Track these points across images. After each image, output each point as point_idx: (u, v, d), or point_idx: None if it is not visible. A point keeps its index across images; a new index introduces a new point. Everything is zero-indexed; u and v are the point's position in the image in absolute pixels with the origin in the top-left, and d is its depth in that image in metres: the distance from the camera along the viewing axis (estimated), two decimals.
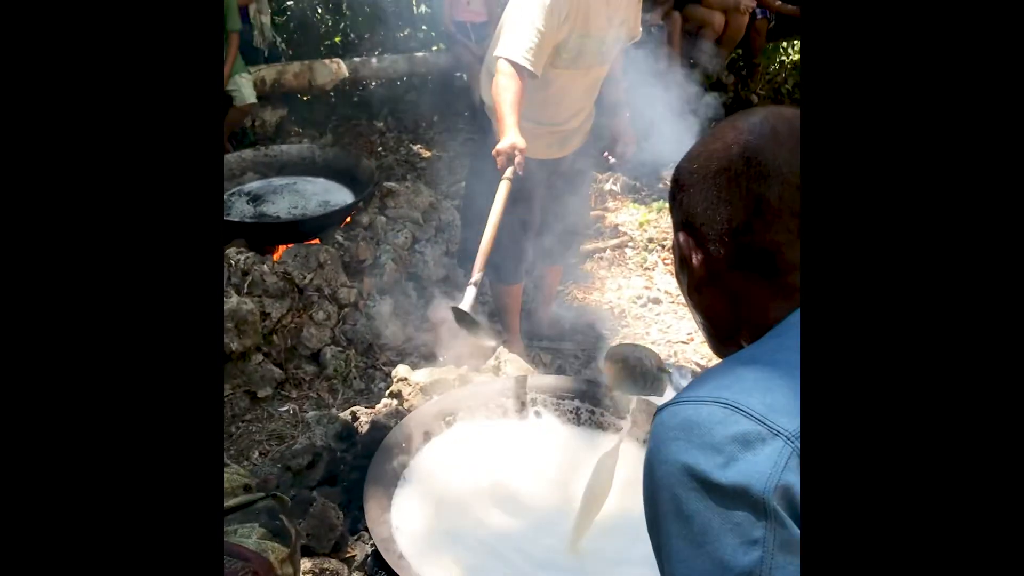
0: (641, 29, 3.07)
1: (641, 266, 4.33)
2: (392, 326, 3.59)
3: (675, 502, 0.80)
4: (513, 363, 2.72)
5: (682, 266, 1.01)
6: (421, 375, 2.56)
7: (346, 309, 3.53)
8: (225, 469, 1.48)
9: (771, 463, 0.76)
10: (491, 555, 2.01)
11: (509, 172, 2.61)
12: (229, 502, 1.42)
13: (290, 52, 6.03)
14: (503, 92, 2.69)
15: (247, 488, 1.46)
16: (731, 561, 0.76)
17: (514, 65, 2.68)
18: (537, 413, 2.45)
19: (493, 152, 2.71)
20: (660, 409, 0.86)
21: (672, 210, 1.02)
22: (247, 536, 1.37)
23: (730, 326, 0.98)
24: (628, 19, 2.94)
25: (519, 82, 2.69)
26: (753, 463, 0.77)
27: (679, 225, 1.00)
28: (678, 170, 1.01)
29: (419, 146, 5.95)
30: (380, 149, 5.89)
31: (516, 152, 2.61)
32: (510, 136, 2.64)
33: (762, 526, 0.75)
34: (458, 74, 6.24)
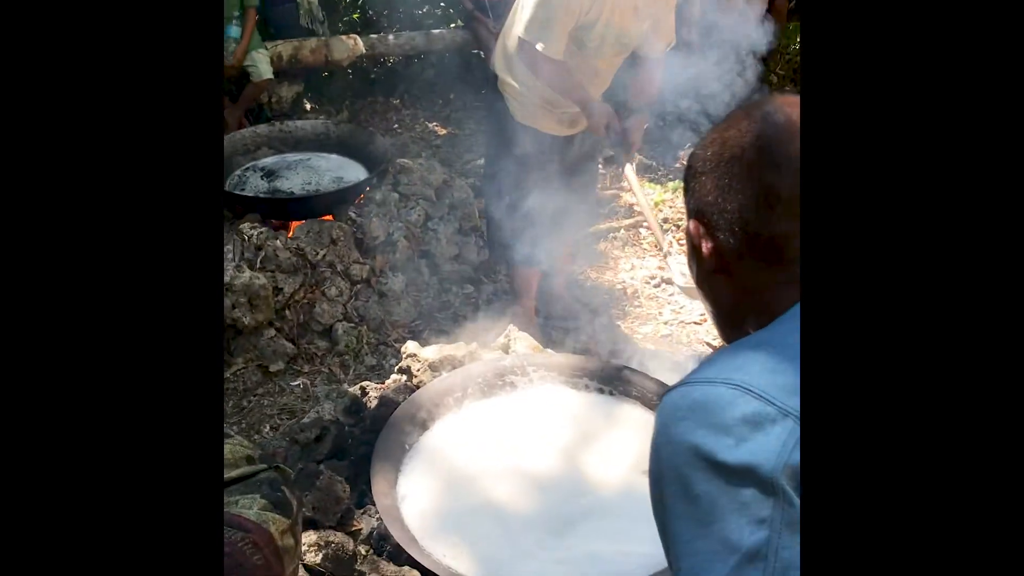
0: (675, 37, 3.04)
1: (655, 246, 4.31)
2: (404, 303, 3.60)
3: (682, 482, 0.80)
4: (523, 341, 2.72)
5: (692, 254, 1.01)
6: (430, 351, 2.56)
7: (358, 285, 3.54)
8: (228, 440, 1.48)
9: (780, 442, 0.76)
10: (497, 530, 2.02)
11: (630, 153, 2.70)
12: (231, 473, 1.43)
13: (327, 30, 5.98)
14: (559, 79, 2.80)
15: (249, 460, 1.47)
16: (737, 541, 0.76)
17: (548, 58, 2.74)
18: (546, 390, 2.45)
19: (593, 130, 2.80)
20: (668, 391, 0.86)
21: (686, 197, 1.02)
22: (248, 507, 1.38)
23: (738, 314, 0.98)
24: (660, 20, 2.91)
25: (562, 65, 2.77)
26: (762, 443, 0.77)
27: (691, 213, 1.00)
28: (692, 156, 1.01)
29: (435, 124, 5.94)
30: (396, 126, 5.88)
31: (612, 118, 2.76)
32: (595, 107, 2.76)
33: (769, 505, 0.75)
34: (475, 51, 6.21)
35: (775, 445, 0.76)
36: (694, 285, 1.04)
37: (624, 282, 4.01)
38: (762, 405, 0.78)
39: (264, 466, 1.47)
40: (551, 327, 3.58)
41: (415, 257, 3.73)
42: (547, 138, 3.05)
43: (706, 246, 0.96)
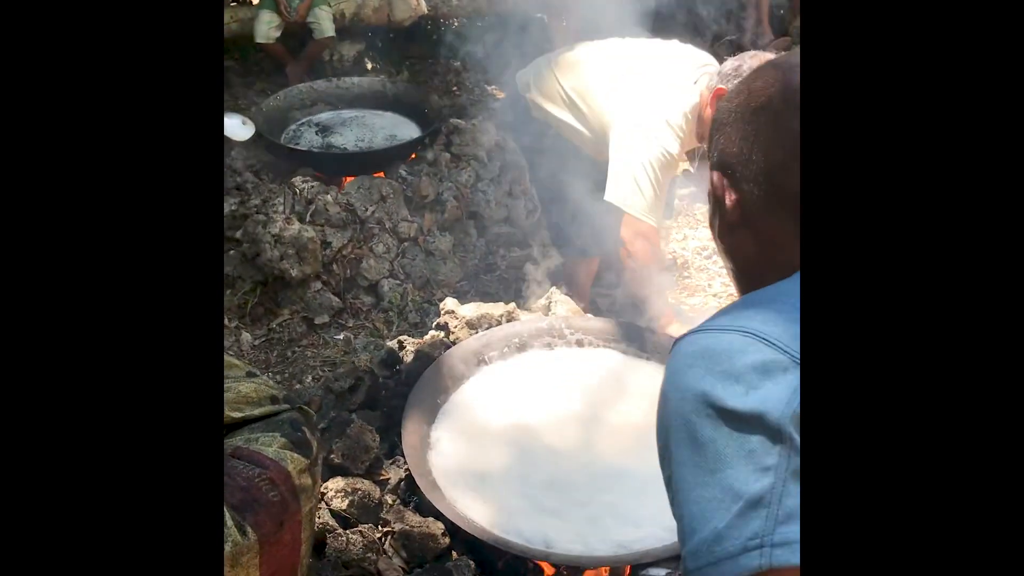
0: None
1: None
2: (451, 263, 3.60)
3: (689, 429, 0.79)
4: (564, 304, 2.70)
5: (715, 207, 0.98)
6: (468, 309, 2.56)
7: (406, 243, 3.55)
8: (253, 380, 1.50)
9: (790, 390, 0.75)
10: (523, 487, 2.02)
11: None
12: (253, 411, 1.45)
13: None
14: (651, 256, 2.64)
15: (274, 399, 1.49)
16: (742, 488, 0.74)
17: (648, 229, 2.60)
18: (583, 352, 2.43)
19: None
20: (679, 339, 0.84)
21: (710, 149, 1.00)
22: (268, 445, 1.40)
23: (759, 270, 0.95)
24: None
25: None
26: (772, 391, 0.75)
27: (715, 165, 0.98)
28: (718, 109, 0.99)
29: (494, 87, 5.90)
30: (455, 88, 5.86)
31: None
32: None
33: (776, 452, 0.74)
34: (539, 15, 6.14)
35: (785, 393, 0.74)
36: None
37: (675, 252, 3.96)
38: (774, 353, 0.76)
39: (287, 406, 1.49)
40: (597, 294, 3.55)
41: (463, 218, 3.73)
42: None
43: (730, 198, 0.94)
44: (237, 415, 1.43)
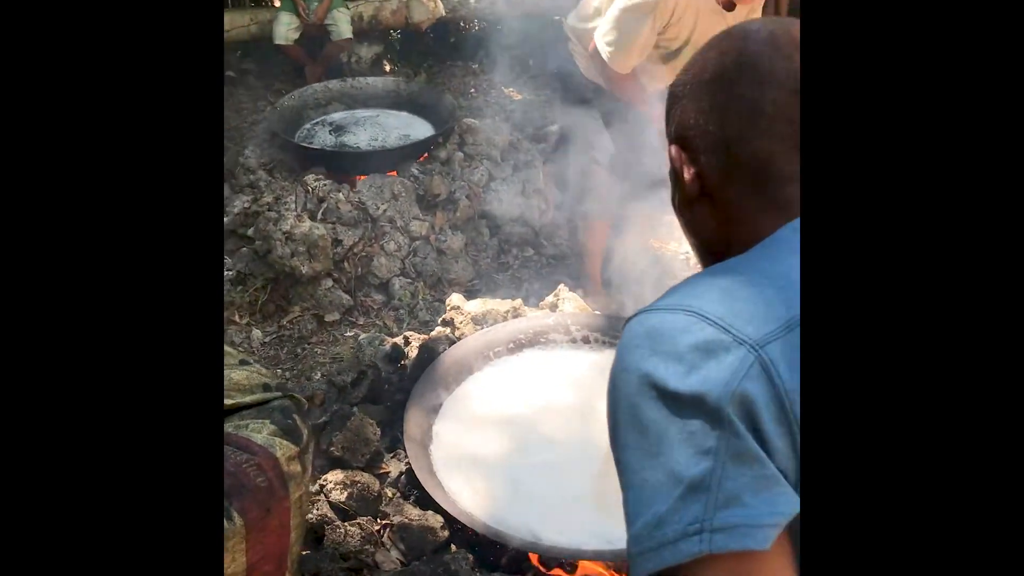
0: None
1: None
2: (462, 262, 3.60)
3: (633, 411, 0.77)
4: (572, 301, 2.69)
5: (675, 182, 0.96)
6: (474, 305, 2.56)
7: (417, 242, 3.55)
8: (246, 367, 1.51)
9: (731, 371, 0.73)
10: (523, 487, 2.01)
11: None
12: (245, 398, 1.45)
13: None
14: (628, 91, 2.79)
15: (266, 387, 1.49)
16: (682, 472, 0.73)
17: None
18: (587, 349, 2.42)
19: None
20: (630, 318, 0.83)
21: (667, 124, 0.98)
22: (257, 431, 1.40)
23: (721, 244, 0.93)
24: None
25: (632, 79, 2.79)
26: (713, 371, 0.73)
27: (671, 138, 0.96)
28: (674, 83, 0.97)
29: (511, 89, 5.90)
30: (472, 90, 5.87)
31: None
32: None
33: (715, 436, 0.72)
34: (556, 17, 6.13)
35: (725, 374, 0.73)
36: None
37: (688, 253, 3.93)
38: (716, 332, 0.75)
39: (278, 394, 1.49)
40: (610, 293, 3.53)
41: (476, 217, 3.73)
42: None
43: (688, 171, 0.92)
44: (228, 402, 1.43)
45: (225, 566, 1.27)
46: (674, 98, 0.95)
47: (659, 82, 2.82)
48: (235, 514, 1.29)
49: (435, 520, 1.97)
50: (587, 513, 1.91)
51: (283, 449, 1.40)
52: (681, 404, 0.74)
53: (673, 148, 0.94)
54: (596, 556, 1.84)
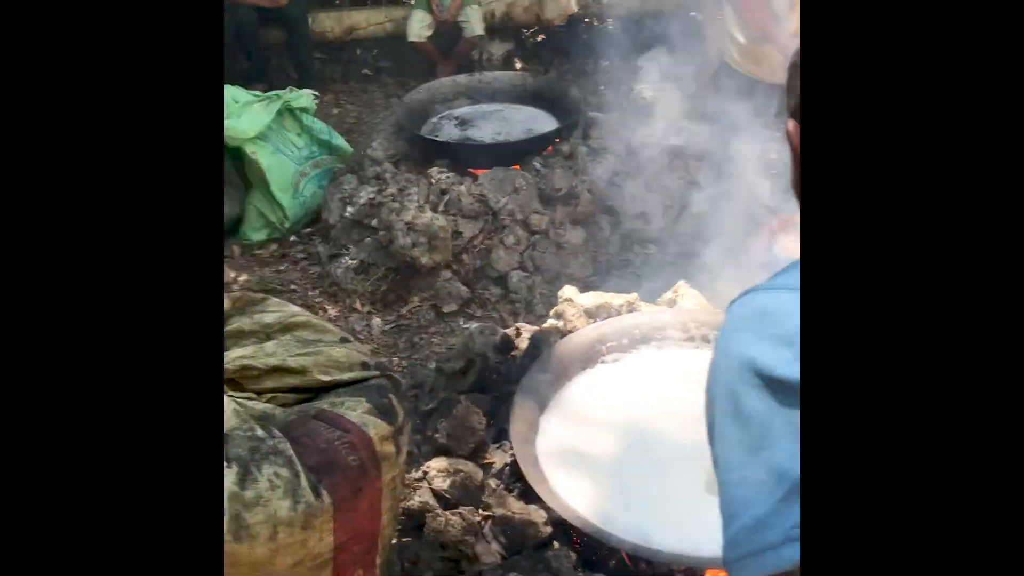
0: None
1: None
2: (582, 257, 3.53)
3: (734, 401, 0.71)
4: (692, 298, 2.58)
5: (792, 156, 0.88)
6: (587, 298, 2.49)
7: (536, 236, 3.51)
8: (345, 345, 1.49)
9: None
10: (632, 488, 1.94)
11: None
12: (342, 376, 1.44)
13: None
14: None
15: (364, 366, 1.47)
16: (789, 470, 0.65)
17: None
18: (705, 348, 2.31)
19: None
20: (734, 300, 0.76)
21: (788, 96, 0.89)
22: (352, 409, 1.38)
23: None
24: None
25: None
26: None
27: (791, 111, 0.88)
28: (796, 51, 0.88)
29: (643, 86, 5.79)
30: (602, 88, 5.79)
31: None
32: None
33: None
34: (692, 13, 5.98)
35: None
36: None
37: None
38: None
39: (376, 373, 1.47)
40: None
41: (597, 212, 3.65)
42: None
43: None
44: (326, 378, 1.42)
45: (311, 544, 1.25)
46: (796, 68, 0.86)
47: None
48: (324, 491, 1.27)
49: (538, 515, 1.91)
50: (701, 518, 1.81)
51: (377, 428, 1.37)
52: (787, 393, 0.67)
53: (791, 123, 0.85)
54: (711, 564, 1.74)
